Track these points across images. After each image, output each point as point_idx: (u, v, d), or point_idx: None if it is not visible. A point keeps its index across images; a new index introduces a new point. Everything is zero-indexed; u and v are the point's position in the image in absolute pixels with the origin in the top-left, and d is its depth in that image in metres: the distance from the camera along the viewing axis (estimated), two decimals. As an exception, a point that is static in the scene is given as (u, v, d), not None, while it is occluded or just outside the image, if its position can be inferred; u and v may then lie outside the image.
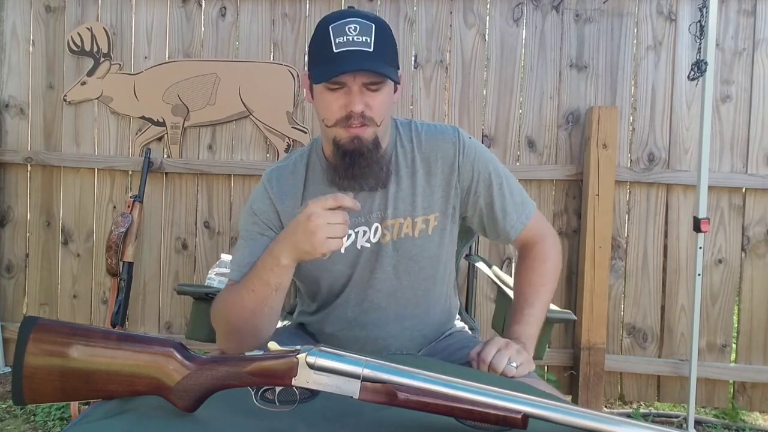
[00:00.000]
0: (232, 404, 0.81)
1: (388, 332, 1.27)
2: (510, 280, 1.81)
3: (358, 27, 1.10)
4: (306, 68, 1.25)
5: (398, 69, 1.18)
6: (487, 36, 2.65)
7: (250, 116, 2.71)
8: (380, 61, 1.10)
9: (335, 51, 1.09)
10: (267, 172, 1.31)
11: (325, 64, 1.10)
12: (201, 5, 2.74)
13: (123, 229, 2.38)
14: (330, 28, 1.11)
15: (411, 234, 1.24)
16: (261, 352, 0.78)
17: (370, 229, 1.23)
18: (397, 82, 1.16)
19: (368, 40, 1.09)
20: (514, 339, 1.15)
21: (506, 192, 1.29)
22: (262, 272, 1.10)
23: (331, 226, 1.01)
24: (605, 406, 2.57)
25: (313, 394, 0.76)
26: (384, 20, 1.17)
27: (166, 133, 2.73)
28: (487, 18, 2.65)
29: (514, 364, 1.07)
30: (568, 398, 2.54)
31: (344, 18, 1.11)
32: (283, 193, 1.25)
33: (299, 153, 1.33)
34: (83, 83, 2.75)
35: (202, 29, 2.75)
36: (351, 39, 1.09)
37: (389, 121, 1.23)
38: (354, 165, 1.16)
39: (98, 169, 2.79)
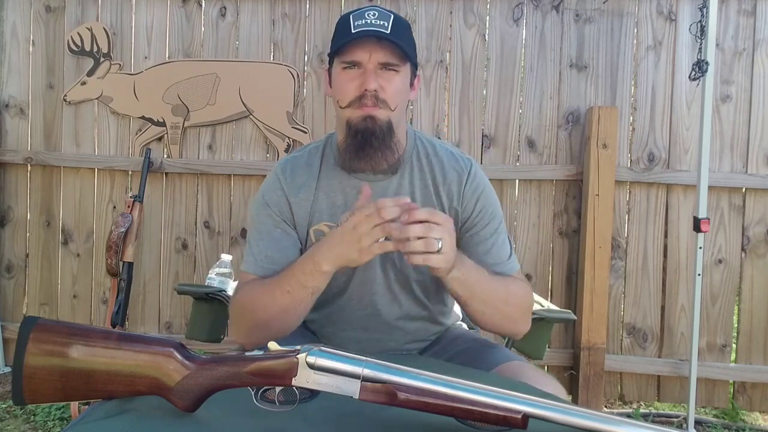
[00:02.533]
0: (232, 404, 0.81)
1: (390, 336, 1.27)
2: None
3: (377, 13, 1.16)
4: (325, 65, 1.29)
5: (416, 63, 1.22)
6: (487, 36, 2.65)
7: (250, 116, 2.71)
8: (397, 41, 1.14)
9: (353, 31, 1.13)
10: (281, 162, 1.30)
11: (342, 42, 1.15)
12: (201, 5, 2.74)
13: (123, 229, 2.37)
14: (350, 15, 1.17)
15: None
16: (261, 352, 0.78)
17: None
18: (413, 62, 1.19)
19: (386, 24, 1.14)
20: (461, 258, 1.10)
21: (499, 240, 1.24)
22: (300, 276, 1.10)
23: (373, 231, 1.00)
24: (605, 406, 2.57)
25: (313, 394, 0.76)
26: (406, 20, 1.23)
27: (166, 133, 2.73)
28: (487, 18, 2.65)
29: (440, 245, 0.98)
30: (568, 398, 2.54)
31: (365, 8, 1.18)
32: (297, 185, 1.25)
33: (314, 145, 1.32)
34: (83, 83, 2.75)
35: (202, 29, 2.75)
36: (369, 22, 1.14)
37: (403, 112, 1.24)
38: (366, 144, 1.16)
39: (98, 169, 2.79)
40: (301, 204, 1.24)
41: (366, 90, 1.13)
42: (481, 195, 1.25)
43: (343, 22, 1.17)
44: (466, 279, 1.09)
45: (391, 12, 1.17)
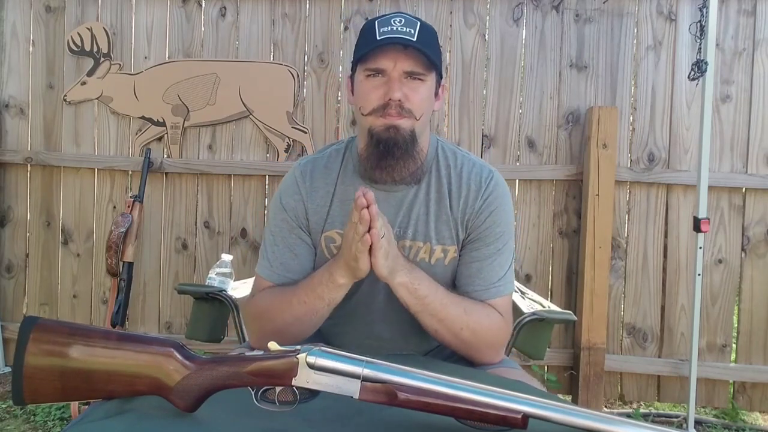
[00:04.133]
0: (232, 404, 0.80)
1: (394, 344, 1.27)
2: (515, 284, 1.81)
3: (403, 20, 1.13)
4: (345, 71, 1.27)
5: (441, 73, 1.20)
6: (487, 36, 2.65)
7: (250, 116, 2.71)
8: (423, 49, 1.12)
9: (378, 38, 1.11)
10: (301, 163, 1.28)
11: (367, 49, 1.13)
12: (201, 5, 2.74)
13: (123, 229, 2.37)
14: (376, 21, 1.14)
15: (427, 260, 1.21)
16: (261, 352, 0.78)
17: None
18: (439, 70, 1.17)
19: (412, 32, 1.11)
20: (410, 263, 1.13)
21: (496, 262, 1.21)
22: (317, 286, 1.11)
23: (355, 236, 1.01)
24: (605, 406, 2.57)
25: (313, 394, 0.76)
26: (432, 27, 1.20)
27: (166, 133, 2.73)
28: (487, 18, 2.65)
29: (382, 234, 1.02)
30: (568, 398, 2.54)
31: (391, 14, 1.16)
32: (314, 190, 1.24)
33: (335, 147, 1.30)
34: (83, 83, 2.75)
35: (202, 29, 2.75)
36: (395, 29, 1.11)
37: (428, 121, 1.21)
38: (388, 155, 1.14)
39: (98, 169, 2.79)
40: (317, 210, 1.23)
41: (390, 99, 1.11)
42: (494, 212, 1.21)
43: (368, 29, 1.15)
44: (415, 289, 1.10)
45: (417, 19, 1.15)
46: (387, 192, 1.21)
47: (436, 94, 1.21)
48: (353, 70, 1.20)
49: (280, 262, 1.22)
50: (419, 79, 1.13)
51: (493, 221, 1.21)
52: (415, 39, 1.10)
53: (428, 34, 1.15)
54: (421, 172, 1.21)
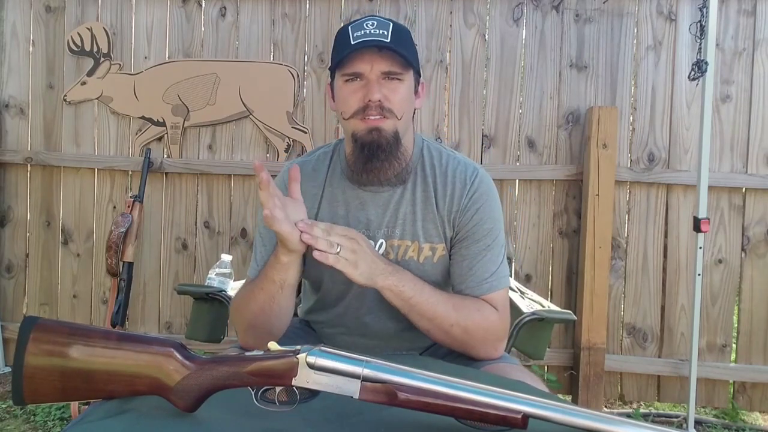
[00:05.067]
0: (232, 404, 0.80)
1: (388, 343, 1.27)
2: (514, 284, 1.81)
3: (375, 23, 1.15)
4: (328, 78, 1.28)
5: (419, 71, 1.22)
6: (487, 36, 2.65)
7: (250, 116, 2.71)
8: (398, 49, 1.13)
9: (353, 43, 1.12)
10: (288, 166, 1.29)
11: (343, 54, 1.14)
12: (201, 5, 2.74)
13: (123, 229, 2.37)
14: (349, 26, 1.16)
15: (415, 258, 1.22)
16: (261, 352, 0.78)
17: (375, 244, 1.22)
18: (416, 70, 1.19)
19: (386, 33, 1.13)
20: (393, 265, 1.12)
21: (486, 258, 1.21)
22: (269, 271, 1.12)
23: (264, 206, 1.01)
24: (605, 406, 2.57)
25: (313, 394, 0.76)
26: (405, 27, 1.21)
27: (166, 133, 2.73)
28: (487, 18, 2.65)
29: (337, 250, 1.04)
30: (568, 398, 2.54)
31: (363, 18, 1.17)
32: (302, 192, 1.23)
33: (323, 150, 1.32)
34: (83, 83, 2.75)
35: (202, 29, 2.75)
36: (368, 32, 1.13)
37: (410, 120, 1.22)
38: (373, 157, 1.15)
39: (98, 169, 2.79)
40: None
41: (370, 101, 1.12)
42: (480, 209, 1.22)
43: (342, 34, 1.16)
44: (400, 291, 1.11)
45: (389, 20, 1.17)
46: (373, 193, 1.23)
47: (417, 92, 1.23)
48: (332, 77, 1.22)
49: (265, 260, 1.22)
50: (397, 78, 1.15)
51: (480, 218, 1.22)
52: (388, 40, 1.12)
53: (402, 34, 1.16)
54: (406, 173, 1.22)
